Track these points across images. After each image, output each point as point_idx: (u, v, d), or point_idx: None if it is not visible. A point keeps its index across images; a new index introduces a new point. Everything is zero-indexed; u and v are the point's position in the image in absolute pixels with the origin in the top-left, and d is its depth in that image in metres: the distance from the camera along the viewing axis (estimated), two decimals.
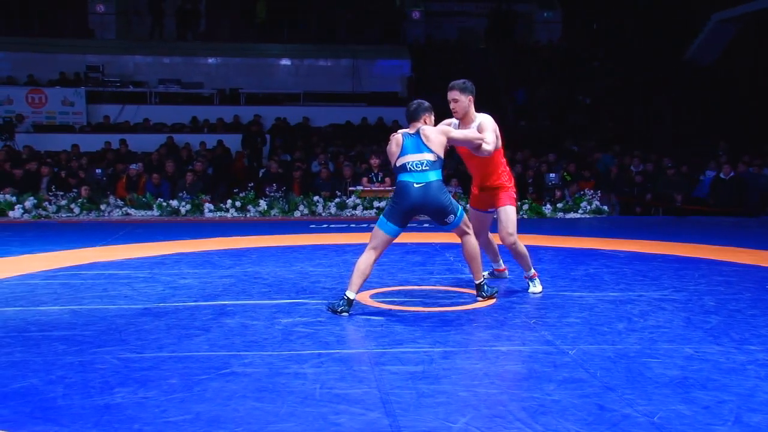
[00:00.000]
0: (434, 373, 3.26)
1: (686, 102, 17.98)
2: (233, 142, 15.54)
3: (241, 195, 11.74)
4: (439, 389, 3.05)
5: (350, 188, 12.28)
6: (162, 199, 11.80)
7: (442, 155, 4.83)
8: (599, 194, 12.13)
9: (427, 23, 21.99)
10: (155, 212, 11.53)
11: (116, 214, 11.59)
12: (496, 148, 5.08)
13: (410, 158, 4.76)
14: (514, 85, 19.05)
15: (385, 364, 3.41)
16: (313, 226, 10.03)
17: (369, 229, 9.45)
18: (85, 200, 11.68)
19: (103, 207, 11.69)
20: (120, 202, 11.86)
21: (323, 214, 11.56)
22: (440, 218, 4.81)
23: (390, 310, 4.61)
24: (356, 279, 4.59)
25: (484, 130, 5.01)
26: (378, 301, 4.86)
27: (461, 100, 5.12)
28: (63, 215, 11.34)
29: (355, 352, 3.63)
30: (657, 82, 18.38)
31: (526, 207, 11.61)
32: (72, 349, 3.68)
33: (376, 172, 12.38)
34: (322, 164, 13.89)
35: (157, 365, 3.40)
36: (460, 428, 2.63)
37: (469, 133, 5.07)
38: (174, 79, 18.85)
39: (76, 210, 11.46)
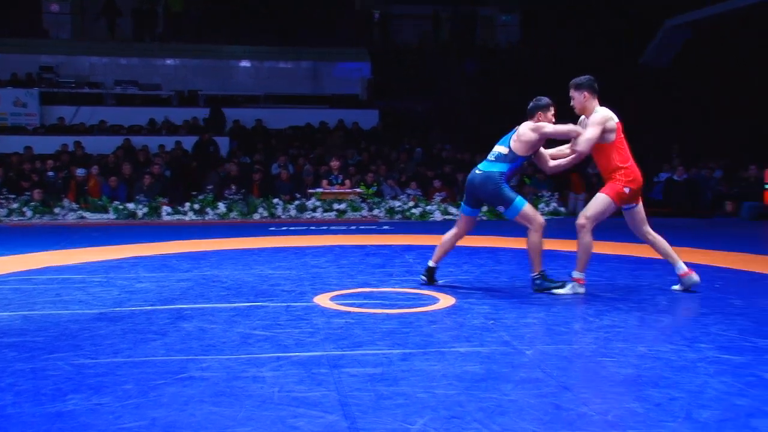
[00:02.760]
0: (393, 375, 3.27)
1: (642, 105, 18.32)
2: (192, 144, 15.39)
3: (199, 197, 11.62)
4: (398, 391, 3.05)
5: (310, 190, 12.24)
6: (118, 202, 11.61)
7: (521, 153, 5.19)
8: (557, 196, 12.30)
9: (388, 26, 22.06)
10: (111, 215, 11.36)
11: (70, 217, 11.38)
12: (606, 142, 5.15)
13: (494, 148, 5.32)
14: (474, 86, 19.21)
15: (344, 366, 3.41)
16: (273, 228, 9.98)
17: (329, 232, 9.47)
18: (38, 203, 11.44)
19: (56, 210, 11.46)
20: (75, 206, 11.64)
21: (283, 217, 11.50)
22: (494, 205, 5.34)
23: (349, 312, 4.61)
24: (438, 251, 5.51)
25: (589, 125, 5.16)
26: (338, 304, 4.85)
27: (576, 97, 5.30)
28: (15, 219, 11.08)
29: (314, 355, 3.61)
30: (613, 86, 18.69)
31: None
32: (23, 356, 3.60)
33: (336, 174, 12.36)
34: (281, 166, 13.83)
35: (111, 371, 3.35)
36: (418, 429, 2.64)
37: (561, 127, 5.24)
38: (131, 81, 18.59)
39: (29, 213, 11.22)
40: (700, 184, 13.07)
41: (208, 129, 16.30)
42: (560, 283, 5.22)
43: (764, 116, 13.63)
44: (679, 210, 12.20)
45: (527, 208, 5.21)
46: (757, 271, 6.23)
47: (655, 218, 11.70)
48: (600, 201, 5.17)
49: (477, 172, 5.29)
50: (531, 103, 5.37)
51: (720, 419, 2.73)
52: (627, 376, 3.27)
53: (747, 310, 4.64)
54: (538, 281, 5.23)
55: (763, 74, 14.11)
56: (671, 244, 5.41)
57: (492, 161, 5.26)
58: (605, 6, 20.83)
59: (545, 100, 5.37)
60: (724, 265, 6.52)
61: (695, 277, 5.23)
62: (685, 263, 5.35)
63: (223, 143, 15.94)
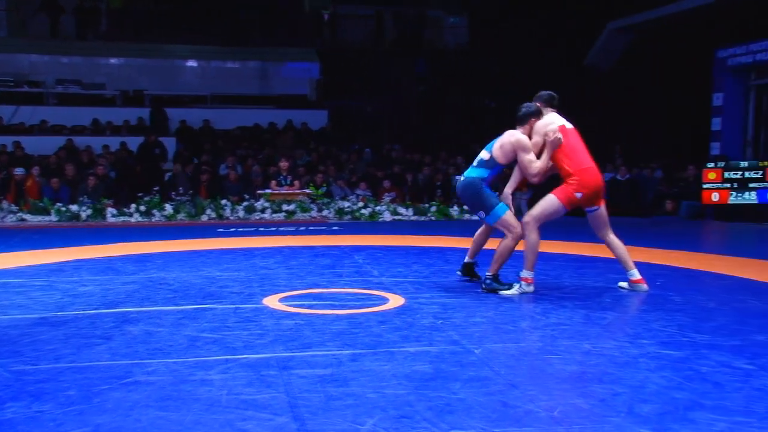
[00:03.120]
0: (343, 376, 3.27)
1: (585, 107, 18.70)
2: (138, 145, 15.10)
3: (145, 199, 11.42)
4: (348, 392, 3.06)
5: (259, 191, 12.15)
6: (61, 204, 11.33)
7: (501, 161, 5.26)
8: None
9: (336, 26, 22.03)
10: (53, 218, 11.07)
11: (10, 219, 11.05)
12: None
13: (480, 153, 5.42)
14: (423, 89, 19.35)
15: (293, 368, 3.40)
16: (221, 230, 9.87)
17: (278, 233, 9.41)
18: None
19: None
20: (14, 207, 11.32)
21: (231, 218, 11.39)
22: (474, 210, 5.44)
23: (299, 313, 4.59)
24: (472, 247, 5.67)
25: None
26: (287, 305, 4.83)
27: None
28: None
29: (263, 357, 3.59)
30: (558, 88, 19.02)
31: (434, 209, 11.79)
32: None
33: (284, 175, 12.29)
34: (229, 167, 13.69)
35: (53, 377, 3.26)
36: (368, 430, 2.65)
37: (535, 161, 5.23)
38: (73, 80, 18.15)
39: None
40: (642, 184, 13.41)
41: (153, 130, 16.02)
42: (507, 286, 5.29)
43: (701, 118, 14.06)
44: (622, 209, 12.49)
45: (508, 215, 5.26)
46: (695, 268, 6.42)
47: None
48: (548, 201, 5.26)
49: (460, 179, 5.44)
50: (522, 109, 5.35)
51: (660, 413, 2.81)
52: (572, 372, 3.34)
53: (686, 306, 4.78)
54: (488, 281, 5.30)
55: (701, 77, 14.56)
56: None
57: (474, 167, 5.36)
58: (550, 9, 21.19)
59: (535, 106, 5.37)
60: (664, 263, 6.71)
61: (645, 286, 5.35)
62: (618, 261, 5.49)
63: (169, 144, 15.69)
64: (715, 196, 11.23)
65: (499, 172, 5.39)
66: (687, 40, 17.74)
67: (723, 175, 11.20)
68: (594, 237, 5.49)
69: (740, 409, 2.85)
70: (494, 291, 5.25)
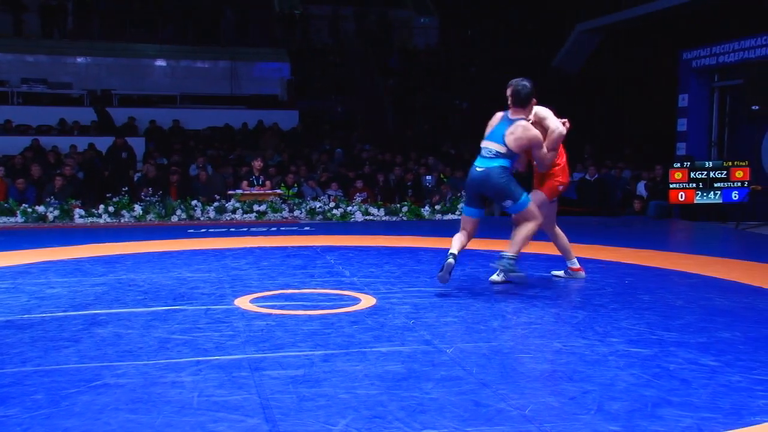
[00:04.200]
0: (315, 377, 3.27)
1: (555, 108, 18.88)
2: (106, 145, 14.88)
3: (114, 200, 11.28)
4: (320, 392, 3.05)
5: (230, 192, 12.07)
6: (27, 205, 11.14)
7: (517, 151, 5.16)
8: None
9: (307, 26, 21.98)
10: (19, 219, 10.88)
11: None
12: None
13: (486, 144, 5.20)
14: (393, 83, 19.40)
15: (265, 369, 3.38)
16: (192, 230, 9.78)
17: (249, 233, 9.36)
18: None
19: None
20: None
21: (202, 219, 11.29)
22: (500, 201, 5.29)
23: (270, 314, 4.57)
24: (455, 242, 5.21)
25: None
26: (258, 306, 4.80)
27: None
28: None
29: (235, 358, 3.57)
30: None
31: (405, 209, 11.81)
32: None
33: (257, 175, 12.23)
34: (200, 167, 13.57)
35: (19, 380, 3.21)
36: (341, 430, 2.65)
37: (547, 153, 5.30)
38: (39, 79, 17.85)
39: None
40: (611, 183, 13.57)
41: (122, 131, 15.81)
42: (523, 275, 5.35)
43: (668, 118, 14.28)
44: (591, 209, 12.64)
45: (533, 204, 5.26)
46: (663, 267, 6.52)
47: (569, 216, 12.12)
48: (537, 197, 5.44)
49: (479, 169, 5.16)
50: (526, 89, 5.16)
51: (629, 410, 2.85)
52: (543, 371, 3.37)
53: (654, 304, 4.86)
54: (511, 262, 5.16)
55: (668, 78, 14.79)
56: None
57: (491, 158, 5.14)
58: (520, 10, 21.38)
59: (531, 84, 5.22)
60: (633, 262, 6.80)
61: (583, 273, 5.81)
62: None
63: (138, 144, 15.51)
64: (681, 196, 11.41)
65: (517, 161, 5.33)
66: (654, 41, 18.04)
67: (689, 175, 11.38)
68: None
69: (706, 405, 2.91)
70: (510, 272, 5.21)
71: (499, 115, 5.33)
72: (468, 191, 5.35)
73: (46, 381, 3.20)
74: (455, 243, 5.24)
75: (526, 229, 5.25)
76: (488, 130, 5.29)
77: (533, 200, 5.31)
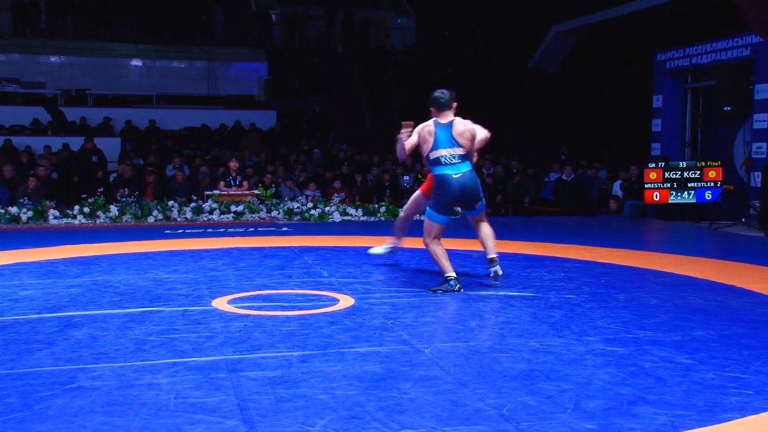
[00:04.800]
0: (293, 377, 3.26)
1: (531, 108, 19.01)
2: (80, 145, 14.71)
3: (89, 200, 11.15)
4: (298, 393, 3.05)
5: (207, 192, 11.99)
6: (0, 206, 10.98)
7: (468, 150, 5.29)
8: None
9: (285, 26, 21.93)
10: None
11: None
12: None
13: (443, 152, 5.22)
14: (372, 89, 19.37)
15: (242, 370, 3.37)
16: (168, 231, 9.71)
17: (226, 234, 9.31)
18: None
19: None
20: None
21: (179, 219, 11.20)
22: (473, 204, 5.41)
23: (248, 315, 4.55)
24: (444, 261, 5.32)
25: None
26: (236, 307, 4.78)
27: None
28: None
29: (212, 360, 3.55)
30: (505, 89, 19.32)
31: (383, 210, 11.80)
32: None
33: (234, 176, 12.17)
34: (176, 168, 13.47)
35: None
36: (318, 431, 2.65)
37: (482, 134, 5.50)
38: (12, 78, 17.61)
39: None
40: (587, 183, 13.68)
41: (95, 132, 15.62)
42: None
43: (643, 119, 14.42)
44: (568, 209, 12.73)
45: None
46: (638, 266, 6.59)
47: (545, 216, 12.19)
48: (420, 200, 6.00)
49: (457, 176, 5.19)
50: (446, 95, 5.36)
51: (605, 408, 2.88)
52: (521, 370, 3.39)
53: (630, 303, 4.91)
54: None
55: (643, 79, 14.94)
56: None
57: (461, 162, 5.22)
58: (497, 10, 21.48)
59: (447, 91, 5.43)
60: (609, 261, 6.86)
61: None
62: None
63: (114, 144, 15.35)
64: (656, 196, 11.52)
65: None
66: (629, 42, 18.22)
67: (663, 175, 11.50)
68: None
69: (681, 402, 2.95)
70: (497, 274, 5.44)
71: (429, 127, 5.31)
72: (450, 200, 5.30)
73: (19, 384, 3.16)
74: (449, 263, 5.37)
75: (490, 228, 5.52)
76: (429, 142, 5.25)
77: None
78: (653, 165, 11.75)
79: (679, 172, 11.52)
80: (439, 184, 5.25)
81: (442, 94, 5.38)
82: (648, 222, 11.41)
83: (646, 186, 11.63)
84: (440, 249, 5.36)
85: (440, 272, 5.40)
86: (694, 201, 11.48)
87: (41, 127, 16.28)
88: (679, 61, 13.08)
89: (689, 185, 11.49)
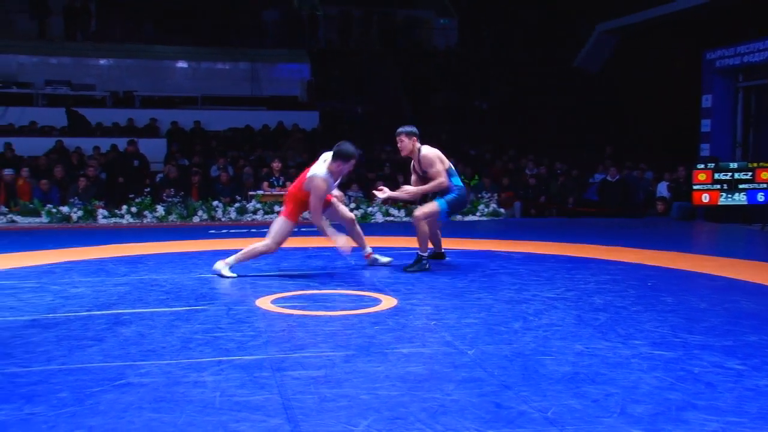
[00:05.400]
0: (336, 377, 3.27)
1: (575, 108, 18.78)
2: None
3: (137, 200, 11.38)
4: (341, 393, 3.06)
5: (250, 192, 12.13)
6: (51, 206, 11.27)
7: None
8: (496, 197, 12.48)
9: (327, 27, 22.03)
10: (44, 219, 11.01)
11: (0, 221, 10.99)
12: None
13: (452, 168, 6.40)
14: (413, 90, 19.36)
15: (286, 369, 3.39)
16: (213, 231, 9.84)
17: None
18: None
19: None
20: (4, 209, 11.25)
21: (223, 219, 11.36)
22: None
23: (292, 315, 4.59)
24: (425, 242, 6.28)
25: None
26: (280, 306, 4.82)
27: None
28: None
29: (256, 359, 3.58)
30: (548, 90, 19.13)
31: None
32: None
33: (277, 176, 12.28)
34: (221, 168, 13.65)
35: (45, 379, 3.25)
36: (362, 431, 2.65)
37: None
38: (63, 81, 18.06)
39: None
40: (633, 184, 13.46)
41: (142, 133, 15.91)
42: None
43: (691, 119, 14.14)
44: (613, 210, 12.54)
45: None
46: (687, 269, 6.45)
47: (589, 218, 12.03)
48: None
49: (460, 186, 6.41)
50: (412, 128, 6.32)
51: (653, 413, 2.82)
52: (565, 373, 3.34)
53: (678, 307, 4.80)
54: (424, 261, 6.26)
55: (690, 78, 14.64)
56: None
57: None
58: (540, 11, 21.28)
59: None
60: (656, 264, 6.73)
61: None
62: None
63: (160, 145, 15.64)
64: (705, 197, 11.29)
65: None
66: (676, 41, 17.86)
67: (713, 176, 11.25)
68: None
69: (732, 409, 2.87)
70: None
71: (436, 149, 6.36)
72: (464, 205, 6.75)
73: (70, 379, 3.24)
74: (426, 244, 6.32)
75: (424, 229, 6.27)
76: (445, 160, 6.33)
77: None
78: (702, 166, 11.51)
79: (730, 174, 11.27)
80: (459, 192, 6.28)
81: (411, 130, 6.30)
82: (697, 224, 11.18)
83: (694, 187, 11.40)
84: (427, 230, 6.24)
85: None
86: (746, 203, 11.21)
87: (91, 128, 16.65)
88: (729, 59, 12.79)
89: (740, 187, 11.23)
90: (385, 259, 6.60)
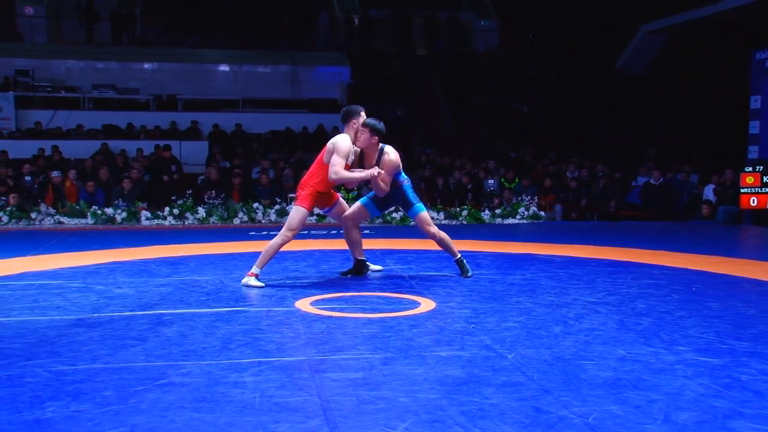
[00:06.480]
0: (374, 380, 3.27)
1: (618, 110, 18.52)
2: (173, 149, 15.24)
3: (179, 202, 11.55)
4: (380, 395, 3.05)
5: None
6: (96, 207, 11.51)
7: None
8: (536, 200, 12.37)
9: (367, 30, 22.09)
10: (89, 220, 11.25)
11: (48, 222, 11.26)
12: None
13: None
14: (452, 91, 19.30)
15: (325, 371, 3.40)
16: (253, 233, 9.94)
17: (309, 236, 9.45)
18: (13, 208, 11.31)
19: (33, 215, 11.34)
20: (51, 210, 11.52)
21: (263, 221, 11.47)
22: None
23: (330, 317, 4.60)
24: (453, 245, 6.22)
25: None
26: (318, 308, 4.84)
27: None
28: None
29: (295, 360, 3.60)
30: (590, 91, 18.90)
31: (465, 213, 11.73)
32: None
33: None
34: (261, 171, 13.78)
35: (90, 377, 3.31)
36: None
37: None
38: (109, 85, 18.45)
39: (5, 219, 11.09)
40: (677, 187, 13.21)
41: (185, 135, 16.13)
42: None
43: (738, 121, 13.82)
44: (656, 214, 12.32)
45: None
46: (733, 274, 6.30)
47: (631, 221, 11.84)
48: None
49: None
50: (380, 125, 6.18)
51: (698, 421, 2.76)
52: (606, 378, 3.29)
53: (724, 312, 4.70)
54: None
55: (738, 79, 14.31)
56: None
57: None
58: (582, 11, 21.04)
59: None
60: (701, 268, 6.59)
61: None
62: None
63: (202, 147, 15.86)
64: (753, 201, 11.02)
65: None
66: (723, 41, 17.48)
67: (762, 179, 10.98)
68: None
69: None
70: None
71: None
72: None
73: (114, 378, 3.29)
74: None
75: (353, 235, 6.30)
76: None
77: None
78: (750, 169, 11.24)
79: None
80: (411, 184, 6.33)
81: (375, 123, 6.16)
82: (744, 228, 10.92)
83: (742, 191, 11.14)
84: (444, 236, 6.14)
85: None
86: None
87: (135, 131, 16.96)
88: None
89: None
90: (376, 267, 6.49)
